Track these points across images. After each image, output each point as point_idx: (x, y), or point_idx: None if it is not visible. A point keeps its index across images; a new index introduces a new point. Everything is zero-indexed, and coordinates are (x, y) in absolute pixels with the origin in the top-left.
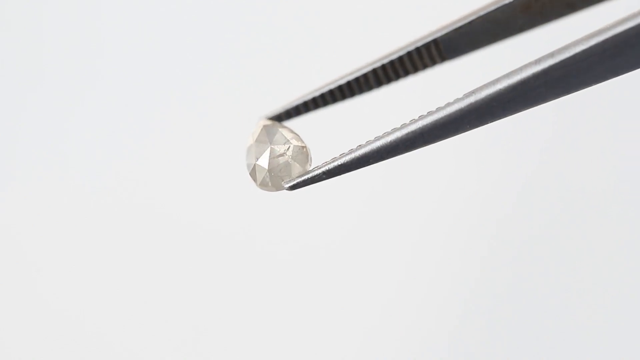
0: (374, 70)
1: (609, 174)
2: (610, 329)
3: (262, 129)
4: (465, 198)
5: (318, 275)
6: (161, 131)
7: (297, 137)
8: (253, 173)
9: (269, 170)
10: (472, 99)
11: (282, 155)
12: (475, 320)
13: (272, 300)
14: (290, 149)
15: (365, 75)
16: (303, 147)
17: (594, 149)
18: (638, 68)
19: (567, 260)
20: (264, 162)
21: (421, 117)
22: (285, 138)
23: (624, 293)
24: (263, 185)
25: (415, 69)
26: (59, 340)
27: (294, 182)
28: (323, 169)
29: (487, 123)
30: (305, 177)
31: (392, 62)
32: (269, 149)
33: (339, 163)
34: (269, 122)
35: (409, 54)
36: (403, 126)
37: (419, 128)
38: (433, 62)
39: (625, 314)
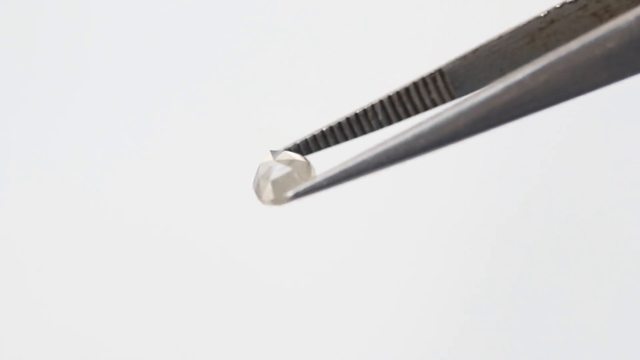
0: (381, 103)
1: (613, 177)
2: (612, 331)
3: (267, 153)
4: (468, 203)
5: (321, 282)
6: (160, 135)
7: (302, 156)
8: (257, 189)
9: (272, 183)
10: (470, 104)
11: (285, 168)
12: (478, 326)
13: (274, 304)
14: (294, 163)
15: (373, 108)
16: (307, 163)
17: (599, 152)
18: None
19: (570, 265)
20: (267, 176)
21: (421, 123)
22: (289, 154)
23: (627, 296)
24: (266, 198)
25: (424, 104)
26: (52, 343)
27: (297, 191)
28: (325, 177)
29: (487, 129)
30: (308, 185)
31: (398, 94)
32: (273, 164)
33: (341, 170)
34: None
35: (415, 84)
36: (404, 132)
37: (419, 133)
38: (441, 98)
39: (628, 317)
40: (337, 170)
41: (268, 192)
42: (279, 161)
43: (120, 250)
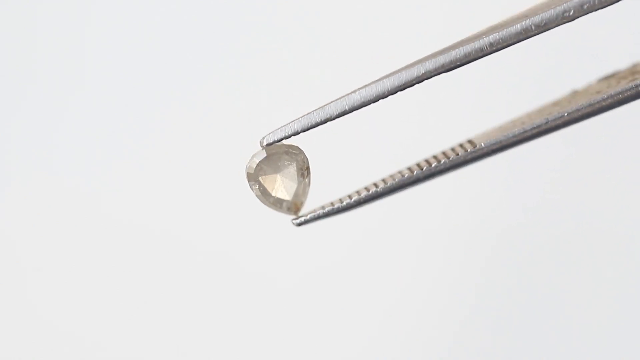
0: (409, 170)
1: (614, 184)
2: (610, 331)
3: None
4: (468, 205)
5: (320, 282)
6: (158, 134)
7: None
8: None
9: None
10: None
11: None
12: (477, 327)
13: (273, 303)
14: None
15: (401, 174)
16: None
17: (599, 159)
18: None
19: (568, 268)
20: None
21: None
22: None
23: (626, 298)
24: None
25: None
26: (46, 345)
27: (270, 139)
28: (301, 121)
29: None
30: (283, 130)
31: (427, 162)
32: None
33: (320, 111)
34: None
35: (444, 153)
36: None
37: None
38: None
39: (626, 317)
40: (315, 114)
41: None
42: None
43: (118, 250)
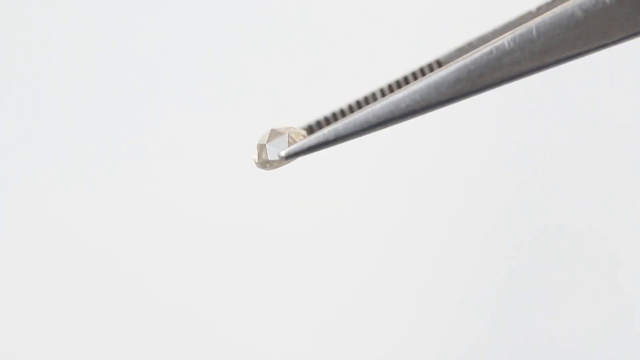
0: (381, 91)
1: (606, 182)
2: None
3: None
4: (480, 209)
5: (331, 287)
6: (158, 129)
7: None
8: (255, 153)
9: (267, 146)
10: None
11: (280, 133)
12: (493, 330)
13: (273, 302)
14: (290, 129)
15: (373, 96)
16: (303, 131)
17: (591, 152)
18: None
19: (586, 269)
20: (263, 140)
21: (406, 87)
22: (286, 125)
23: (622, 296)
24: (262, 159)
25: None
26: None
27: (288, 151)
28: (316, 136)
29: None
30: (299, 145)
31: (397, 83)
32: (270, 132)
33: (332, 129)
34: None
35: (413, 73)
36: (390, 95)
37: (403, 96)
38: None
39: (625, 317)
40: (327, 130)
41: (263, 154)
42: (276, 129)
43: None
